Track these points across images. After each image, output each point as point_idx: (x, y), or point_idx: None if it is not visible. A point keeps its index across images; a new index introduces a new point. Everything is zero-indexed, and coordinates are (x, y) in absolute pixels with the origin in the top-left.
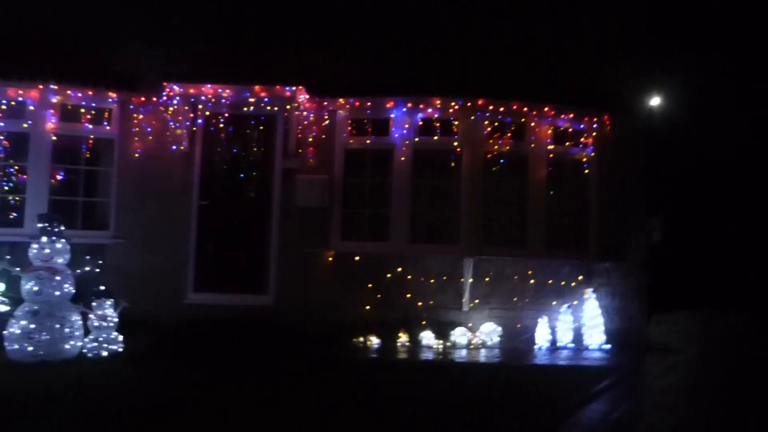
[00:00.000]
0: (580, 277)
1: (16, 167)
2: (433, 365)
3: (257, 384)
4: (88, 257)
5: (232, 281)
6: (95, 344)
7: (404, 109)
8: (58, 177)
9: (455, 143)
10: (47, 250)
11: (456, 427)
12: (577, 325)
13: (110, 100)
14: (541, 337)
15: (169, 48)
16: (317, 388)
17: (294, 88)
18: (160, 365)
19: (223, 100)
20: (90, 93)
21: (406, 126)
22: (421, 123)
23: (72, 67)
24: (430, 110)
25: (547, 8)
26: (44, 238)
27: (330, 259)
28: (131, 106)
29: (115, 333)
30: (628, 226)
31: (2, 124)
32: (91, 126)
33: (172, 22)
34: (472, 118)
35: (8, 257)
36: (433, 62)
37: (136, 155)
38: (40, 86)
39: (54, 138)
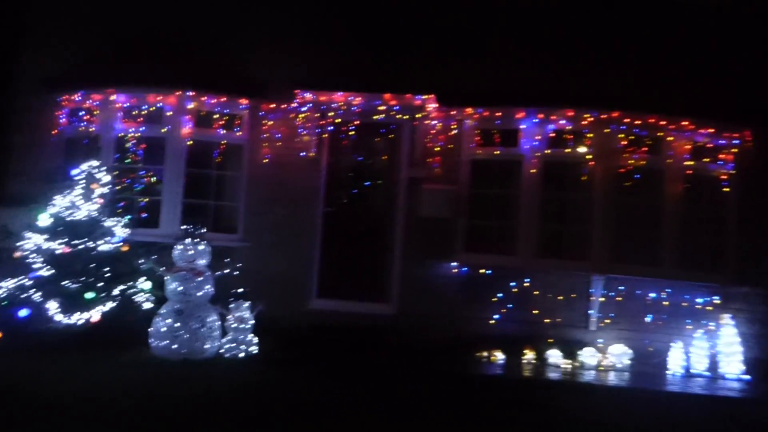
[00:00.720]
0: (717, 301)
1: (152, 171)
2: (564, 385)
3: (390, 395)
4: (226, 259)
5: (354, 289)
6: (233, 345)
7: (535, 120)
8: (192, 181)
9: (588, 156)
10: (191, 252)
11: None
12: (713, 352)
13: (241, 106)
14: (675, 362)
15: (300, 56)
16: (444, 403)
17: (424, 97)
18: (296, 369)
19: (354, 108)
20: (223, 99)
21: (537, 137)
22: (552, 134)
23: (206, 74)
24: (562, 122)
25: (686, 19)
26: (188, 240)
27: (454, 270)
28: (261, 113)
29: (251, 335)
30: None
31: (143, 128)
32: (222, 131)
33: (302, 30)
34: (607, 130)
35: (154, 257)
36: (565, 73)
37: (265, 161)
38: (178, 93)
39: (189, 143)
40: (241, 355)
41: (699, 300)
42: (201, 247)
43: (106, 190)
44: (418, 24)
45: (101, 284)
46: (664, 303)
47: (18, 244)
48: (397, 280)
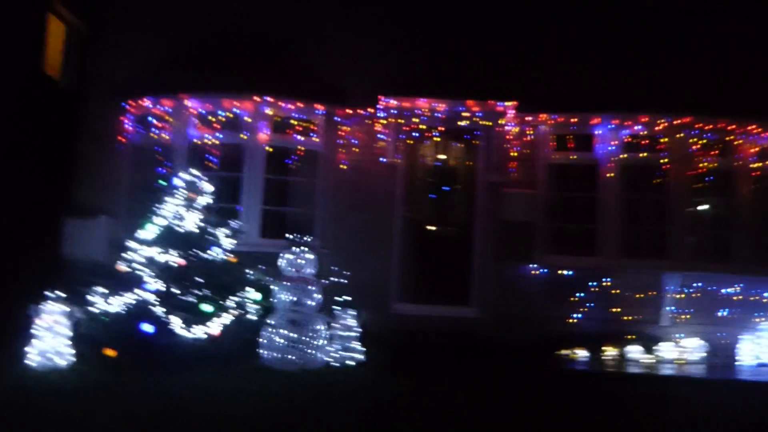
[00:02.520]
0: None
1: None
2: (645, 378)
3: (489, 394)
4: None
5: (435, 293)
6: (342, 353)
7: (610, 126)
8: (269, 188)
9: (662, 160)
10: (301, 261)
11: None
12: None
13: (318, 112)
14: (746, 354)
15: (379, 61)
16: (537, 398)
17: (506, 103)
18: (408, 375)
19: (437, 114)
20: (300, 105)
21: (613, 142)
22: (627, 139)
23: (284, 79)
24: (637, 127)
25: (754, 26)
26: (296, 249)
27: (534, 272)
28: (337, 118)
29: (357, 343)
30: None
31: (220, 135)
32: (300, 137)
33: (380, 36)
34: (680, 135)
35: (262, 267)
36: (638, 78)
37: (343, 167)
38: (256, 98)
39: (269, 149)
40: (351, 363)
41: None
42: (310, 256)
43: (209, 199)
44: (496, 30)
45: (218, 297)
46: (735, 298)
47: (125, 256)
48: (477, 282)
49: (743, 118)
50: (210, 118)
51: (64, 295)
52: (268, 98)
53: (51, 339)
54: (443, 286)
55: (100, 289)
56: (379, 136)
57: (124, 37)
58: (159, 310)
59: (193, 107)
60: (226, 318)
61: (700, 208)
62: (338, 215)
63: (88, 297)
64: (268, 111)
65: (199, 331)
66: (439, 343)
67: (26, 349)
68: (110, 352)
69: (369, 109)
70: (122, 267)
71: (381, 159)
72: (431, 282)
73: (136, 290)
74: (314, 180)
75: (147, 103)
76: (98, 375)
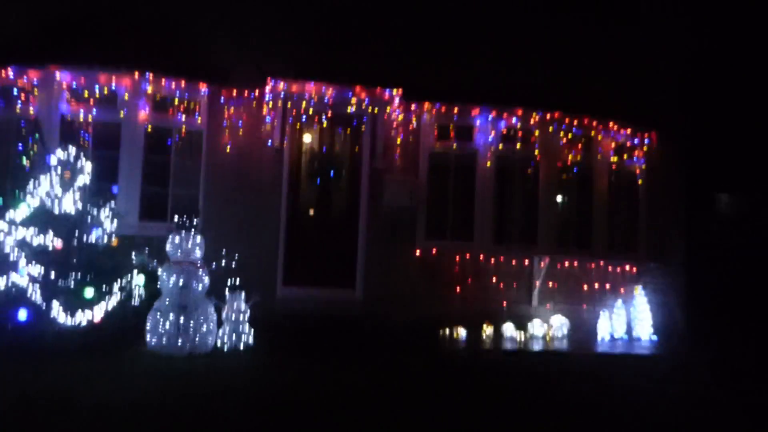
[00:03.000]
0: (632, 276)
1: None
2: (519, 353)
3: (370, 372)
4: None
5: (321, 276)
6: (232, 337)
7: (489, 117)
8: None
9: (535, 151)
10: (188, 244)
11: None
12: (630, 318)
13: (203, 92)
14: (602, 329)
15: (269, 43)
16: (419, 374)
17: (393, 91)
18: (294, 357)
19: (326, 99)
20: (183, 83)
21: (492, 133)
22: (504, 131)
23: (167, 56)
24: (513, 120)
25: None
26: (183, 233)
27: (415, 256)
28: (221, 99)
29: (247, 326)
30: (669, 230)
31: (95, 111)
32: (182, 117)
33: (269, 19)
34: (550, 129)
35: (146, 250)
36: (515, 74)
37: (227, 149)
38: (136, 74)
39: (148, 129)
40: (242, 346)
41: (619, 276)
42: (198, 239)
43: (87, 179)
44: (385, 20)
45: (100, 282)
46: (593, 280)
47: None
48: (361, 266)
49: (603, 116)
50: (85, 93)
51: None
52: (149, 74)
53: None
54: (330, 269)
55: None
56: (267, 119)
57: None
58: (36, 296)
59: (65, 80)
60: (109, 304)
61: (562, 198)
62: (222, 198)
63: None
64: (149, 88)
65: (80, 318)
66: (326, 325)
67: None
68: None
69: (255, 91)
70: None
71: (268, 143)
72: (318, 266)
73: (12, 274)
74: (198, 162)
75: (10, 73)
76: None
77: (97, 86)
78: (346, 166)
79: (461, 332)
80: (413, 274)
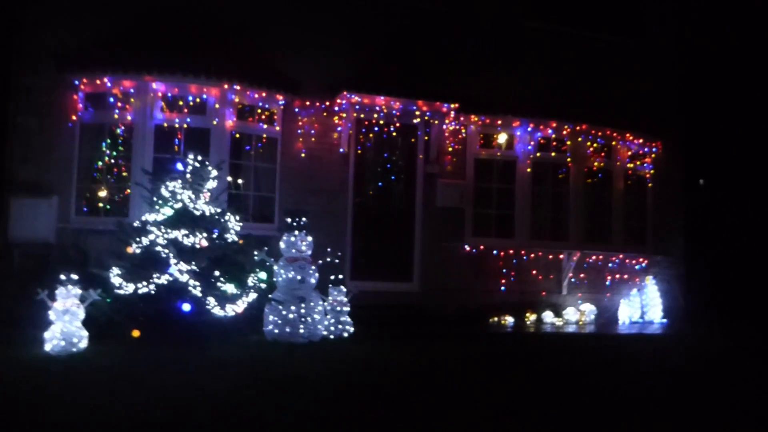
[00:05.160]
0: (645, 267)
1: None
2: (555, 335)
3: (444, 352)
4: (265, 248)
5: (382, 270)
6: (337, 326)
7: (528, 129)
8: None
9: (567, 158)
10: (302, 243)
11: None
12: (643, 304)
13: (280, 102)
14: (623, 314)
15: (336, 59)
16: (479, 353)
17: (450, 105)
18: (380, 343)
19: (393, 111)
20: (264, 94)
21: (530, 142)
22: (540, 141)
23: (249, 67)
24: (549, 131)
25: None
26: (296, 232)
27: (464, 251)
28: (296, 109)
29: (348, 317)
30: (671, 227)
31: (188, 119)
32: (263, 125)
33: (340, 36)
34: (579, 139)
35: (265, 248)
36: (549, 92)
37: (301, 155)
38: (225, 85)
39: (236, 135)
40: (345, 334)
41: (635, 267)
42: (309, 238)
43: (214, 183)
44: (439, 42)
45: (239, 276)
46: (614, 270)
47: (140, 239)
48: (418, 261)
49: (622, 128)
50: (179, 102)
51: (76, 277)
52: (236, 85)
53: (68, 323)
54: (390, 265)
55: (116, 270)
56: (338, 128)
57: (69, 5)
58: (195, 290)
59: (160, 90)
60: (249, 297)
61: (588, 199)
62: (296, 199)
63: (109, 279)
64: (235, 98)
65: (229, 309)
66: (393, 314)
67: (44, 334)
68: (135, 333)
69: (326, 102)
70: (131, 249)
71: (339, 149)
72: (380, 262)
73: (170, 269)
74: (274, 166)
75: (104, 81)
76: (121, 354)
77: (190, 96)
78: (404, 170)
79: (508, 319)
80: (463, 268)
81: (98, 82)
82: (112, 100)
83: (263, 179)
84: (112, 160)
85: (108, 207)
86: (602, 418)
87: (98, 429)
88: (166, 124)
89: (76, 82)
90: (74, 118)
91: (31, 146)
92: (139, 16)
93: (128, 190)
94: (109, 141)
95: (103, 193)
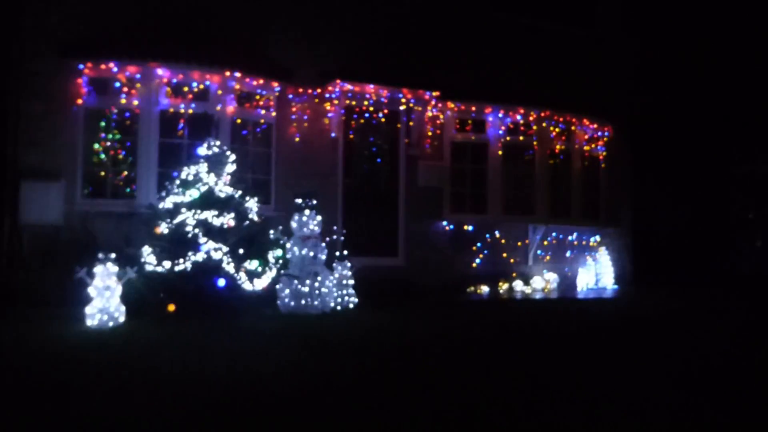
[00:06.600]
0: (599, 239)
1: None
2: (525, 300)
3: (434, 316)
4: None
5: (370, 247)
6: (344, 298)
7: (498, 114)
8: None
9: (533, 141)
10: (312, 222)
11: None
12: (597, 272)
13: (275, 89)
14: (580, 281)
15: (327, 49)
16: (459, 316)
17: (432, 93)
18: (383, 313)
19: (381, 99)
20: (261, 81)
21: (501, 127)
22: (510, 125)
23: (247, 56)
24: (517, 117)
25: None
26: (307, 212)
27: (443, 227)
28: (290, 95)
29: (352, 290)
30: (621, 202)
31: (193, 105)
32: (262, 111)
33: (330, 27)
34: (544, 124)
35: (280, 227)
36: (519, 82)
37: (295, 139)
38: (226, 73)
39: (238, 121)
40: (351, 305)
41: (590, 238)
42: (319, 218)
43: (233, 167)
44: (421, 34)
45: (263, 254)
46: (574, 242)
47: (171, 221)
48: (402, 237)
49: (580, 114)
50: (185, 88)
51: (114, 255)
52: (237, 72)
53: (106, 299)
54: (377, 241)
55: (148, 250)
56: (329, 114)
57: None
58: (229, 267)
59: (165, 76)
60: (272, 273)
61: (551, 178)
62: (290, 182)
63: (142, 257)
64: (235, 85)
65: (257, 285)
66: (384, 287)
67: (85, 309)
68: (170, 307)
69: (318, 89)
70: (160, 229)
71: (329, 134)
72: (368, 238)
73: (204, 247)
74: (269, 150)
75: (111, 66)
76: (166, 327)
77: (194, 83)
78: (388, 153)
79: (484, 288)
80: (443, 243)
81: (103, 67)
82: (117, 85)
83: (259, 163)
84: (117, 144)
85: (115, 190)
86: (574, 357)
87: (197, 388)
88: (171, 110)
89: (81, 67)
90: (79, 102)
91: (37, 131)
92: (140, 5)
93: (134, 173)
94: (114, 125)
95: (109, 177)
